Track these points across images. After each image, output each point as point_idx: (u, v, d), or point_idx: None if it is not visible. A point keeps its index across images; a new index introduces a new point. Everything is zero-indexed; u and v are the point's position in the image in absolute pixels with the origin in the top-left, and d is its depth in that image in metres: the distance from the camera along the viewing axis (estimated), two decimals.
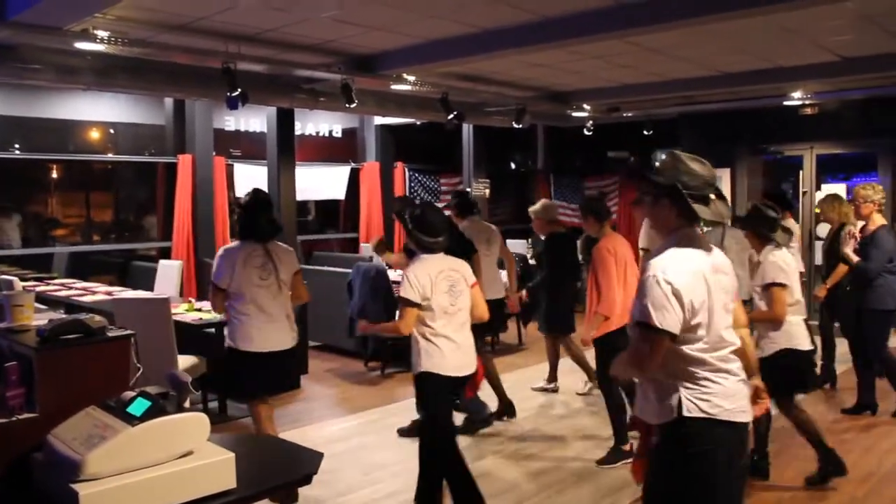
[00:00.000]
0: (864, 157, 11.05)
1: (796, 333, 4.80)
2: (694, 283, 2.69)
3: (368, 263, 8.29)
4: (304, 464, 2.66)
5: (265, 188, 10.04)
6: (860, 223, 6.42)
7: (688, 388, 2.71)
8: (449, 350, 4.18)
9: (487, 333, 7.23)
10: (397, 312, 4.31)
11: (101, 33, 5.99)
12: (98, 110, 9.97)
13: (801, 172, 11.16)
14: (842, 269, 6.60)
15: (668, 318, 2.62)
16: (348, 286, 8.04)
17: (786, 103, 10.09)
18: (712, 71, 8.72)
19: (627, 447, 5.35)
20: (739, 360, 2.85)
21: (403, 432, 5.98)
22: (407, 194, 12.77)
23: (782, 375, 4.69)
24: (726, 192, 11.29)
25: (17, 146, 9.36)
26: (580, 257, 7.36)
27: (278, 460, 2.75)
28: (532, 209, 7.26)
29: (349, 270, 8.15)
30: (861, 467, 5.20)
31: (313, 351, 8.56)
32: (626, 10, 5.88)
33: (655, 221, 2.94)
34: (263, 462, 2.67)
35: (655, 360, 2.68)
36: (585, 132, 11.70)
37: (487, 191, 12.62)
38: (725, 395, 2.73)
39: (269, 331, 4.79)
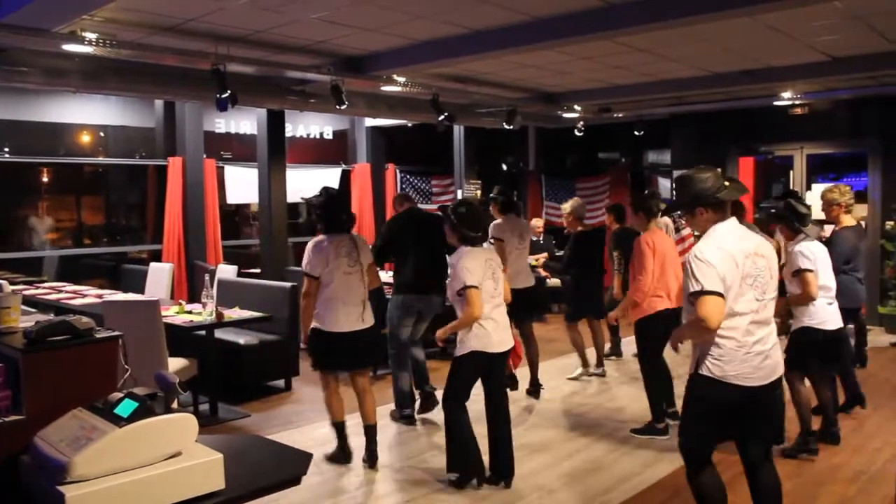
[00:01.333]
0: (855, 157, 11.09)
1: (818, 313, 5.24)
2: (726, 260, 3.35)
3: None
4: (294, 465, 2.65)
5: (255, 190, 10.06)
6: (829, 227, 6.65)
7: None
8: (493, 329, 4.70)
9: (533, 315, 7.75)
10: (458, 304, 4.72)
11: (90, 35, 5.97)
12: (88, 113, 9.95)
13: (791, 172, 11.19)
14: None
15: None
16: None
17: (776, 103, 10.13)
18: (703, 71, 8.75)
19: (661, 425, 5.86)
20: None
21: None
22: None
23: (797, 350, 5.29)
24: None
25: (6, 149, 9.32)
26: (610, 251, 7.86)
27: (267, 461, 2.73)
28: (563, 207, 7.94)
29: None
30: (851, 466, 5.20)
31: (304, 353, 8.52)
32: (616, 11, 5.90)
33: (698, 227, 3.62)
34: (252, 463, 2.65)
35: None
36: (576, 133, 11.72)
37: (479, 192, 12.63)
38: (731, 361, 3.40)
39: (354, 313, 5.23)
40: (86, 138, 10.50)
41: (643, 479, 5.04)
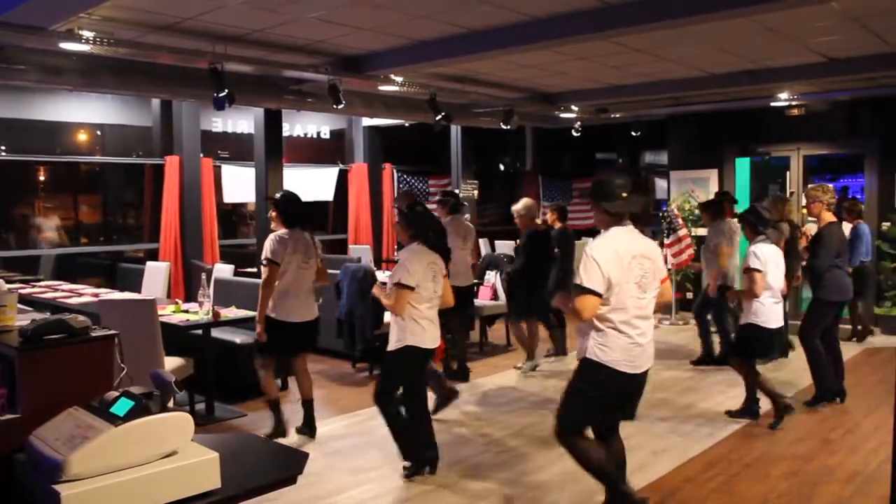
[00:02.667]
0: (852, 158, 11.10)
1: (763, 312, 5.92)
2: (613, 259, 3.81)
3: (357, 265, 8.27)
4: (290, 464, 2.65)
5: (252, 189, 10.05)
6: (812, 221, 7.14)
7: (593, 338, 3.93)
8: (429, 328, 4.98)
9: (467, 311, 8.26)
10: (385, 296, 5.04)
11: (87, 33, 5.97)
12: (85, 111, 9.93)
13: (788, 173, 11.20)
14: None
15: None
16: (336, 287, 8.01)
17: (773, 104, 10.14)
18: (700, 72, 8.76)
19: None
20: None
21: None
22: (395, 195, 12.76)
23: (742, 344, 6.18)
24: (714, 192, 11.35)
25: (2, 148, 9.30)
26: (555, 250, 8.24)
27: (263, 460, 2.73)
28: (514, 207, 8.20)
29: (337, 272, 8.11)
30: (847, 467, 5.21)
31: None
32: (613, 11, 5.90)
33: (597, 221, 4.10)
34: (248, 462, 2.65)
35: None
36: (574, 133, 11.72)
37: (476, 192, 12.63)
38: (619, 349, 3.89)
39: (304, 305, 5.82)
40: (83, 137, 10.48)
41: (637, 480, 5.04)
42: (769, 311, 5.94)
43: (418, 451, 5.12)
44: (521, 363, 8.25)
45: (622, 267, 3.81)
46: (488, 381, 7.79)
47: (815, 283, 6.62)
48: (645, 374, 4.03)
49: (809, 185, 7.10)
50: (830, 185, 6.83)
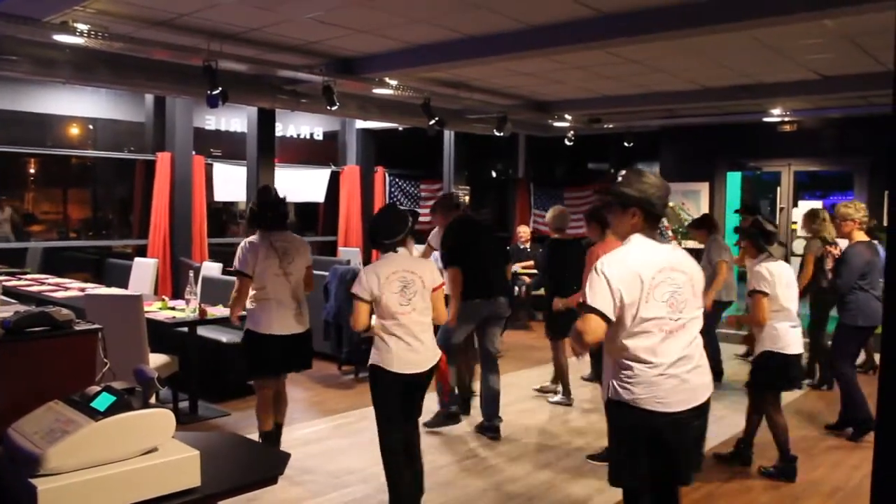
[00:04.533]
0: (842, 176, 11.17)
1: (780, 337, 5.16)
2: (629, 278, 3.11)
3: (345, 267, 8.26)
4: (272, 464, 2.63)
5: (244, 188, 10.02)
6: (843, 241, 6.54)
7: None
8: (396, 347, 4.26)
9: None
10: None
11: (81, 26, 5.94)
12: (77, 105, 9.89)
13: (778, 189, 11.25)
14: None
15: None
16: (324, 289, 8.00)
17: (765, 120, 10.20)
18: (694, 85, 8.79)
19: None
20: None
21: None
22: (387, 199, 12.77)
23: (762, 374, 5.30)
24: (705, 205, 11.40)
25: None
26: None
27: (245, 460, 2.72)
28: (547, 217, 7.65)
29: (326, 273, 8.10)
30: (829, 482, 5.22)
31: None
32: (609, 21, 5.91)
33: (619, 226, 3.33)
34: (230, 461, 2.63)
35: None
36: (566, 142, 11.74)
37: (468, 198, 12.63)
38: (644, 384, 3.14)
39: (288, 315, 5.28)
40: (74, 130, 10.43)
41: (615, 493, 5.01)
42: (786, 335, 5.17)
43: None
44: (551, 388, 7.50)
45: (640, 282, 3.11)
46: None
47: (839, 306, 6.24)
48: (693, 412, 3.20)
49: (840, 203, 6.51)
50: (862, 204, 6.42)
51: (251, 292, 5.22)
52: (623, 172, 3.34)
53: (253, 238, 5.23)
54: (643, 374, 3.11)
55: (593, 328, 3.08)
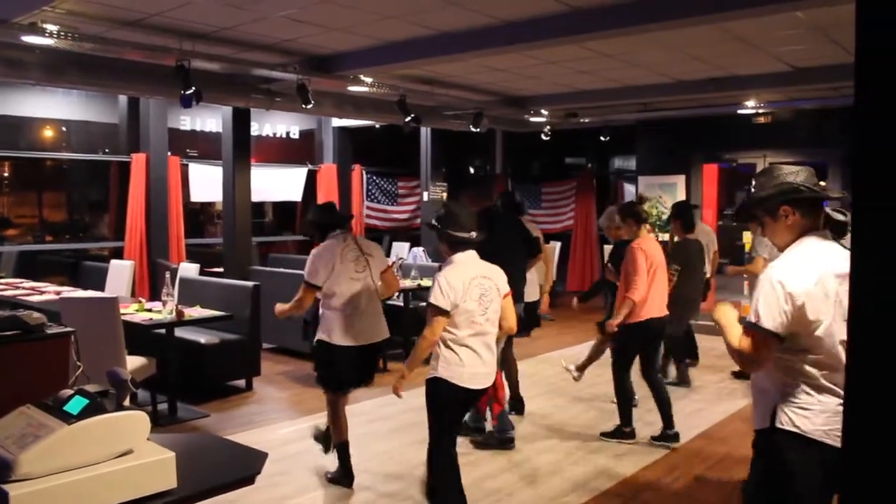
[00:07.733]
0: (815, 167, 11.24)
1: None
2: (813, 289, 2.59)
3: None
4: (248, 464, 2.62)
5: (220, 188, 9.96)
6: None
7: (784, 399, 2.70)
8: (468, 359, 3.94)
9: (521, 333, 6.70)
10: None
11: (51, 27, 5.88)
12: (49, 107, 9.80)
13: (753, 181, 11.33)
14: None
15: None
16: None
17: (740, 112, 10.27)
18: (668, 78, 8.83)
19: (628, 429, 5.90)
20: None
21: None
22: (364, 197, 12.74)
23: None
24: (681, 198, 11.46)
25: None
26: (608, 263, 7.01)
27: (222, 460, 2.70)
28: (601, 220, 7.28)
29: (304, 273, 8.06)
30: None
31: (266, 353, 8.47)
32: (580, 16, 5.93)
33: (778, 235, 2.83)
34: (206, 462, 2.62)
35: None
36: (543, 137, 11.77)
37: (445, 195, 12.64)
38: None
39: (366, 324, 5.02)
40: (47, 133, 10.33)
41: (600, 482, 5.06)
42: None
43: None
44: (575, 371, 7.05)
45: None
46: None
47: None
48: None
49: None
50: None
51: (321, 299, 4.92)
52: (753, 183, 2.94)
53: (324, 244, 4.92)
54: (826, 402, 2.64)
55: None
